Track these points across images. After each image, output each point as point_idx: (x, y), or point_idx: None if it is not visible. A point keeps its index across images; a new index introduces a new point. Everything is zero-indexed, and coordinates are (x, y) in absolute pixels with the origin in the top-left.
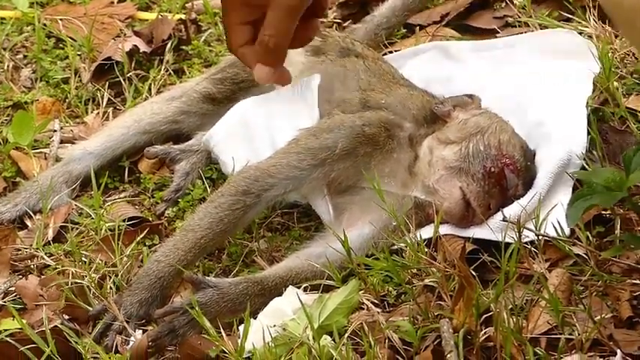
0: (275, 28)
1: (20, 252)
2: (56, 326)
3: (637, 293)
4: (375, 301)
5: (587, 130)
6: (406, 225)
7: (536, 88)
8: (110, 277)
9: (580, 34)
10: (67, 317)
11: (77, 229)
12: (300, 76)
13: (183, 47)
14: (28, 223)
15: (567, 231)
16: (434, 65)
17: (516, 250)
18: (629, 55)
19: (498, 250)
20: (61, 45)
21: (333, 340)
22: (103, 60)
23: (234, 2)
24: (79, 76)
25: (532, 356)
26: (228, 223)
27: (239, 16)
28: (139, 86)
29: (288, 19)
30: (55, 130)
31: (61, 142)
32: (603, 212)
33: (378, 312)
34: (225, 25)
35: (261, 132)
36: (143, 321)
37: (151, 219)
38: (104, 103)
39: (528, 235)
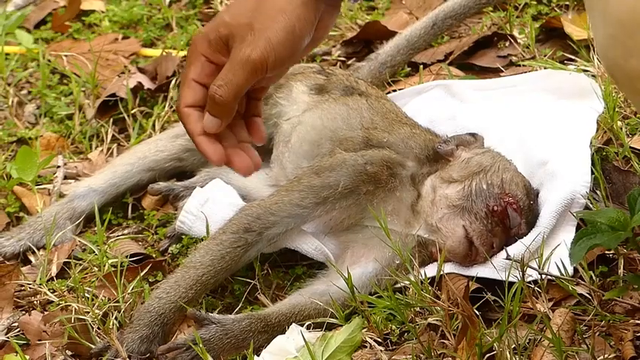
0: (226, 80)
1: (24, 288)
2: None
3: None
4: (379, 339)
5: (591, 169)
6: (410, 263)
7: (540, 127)
8: (113, 314)
9: (584, 73)
10: (69, 353)
11: (80, 265)
12: (303, 115)
13: None
14: (32, 258)
15: (570, 270)
16: (437, 104)
17: (520, 290)
18: None
19: (502, 289)
20: (65, 81)
21: None
22: (107, 96)
23: (195, 54)
24: (84, 112)
25: None
26: (229, 261)
27: (196, 71)
28: (143, 123)
29: (242, 75)
30: (59, 166)
31: (65, 178)
32: (607, 252)
33: (381, 350)
34: (181, 81)
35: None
36: (146, 357)
37: (154, 255)
38: (108, 140)
39: (532, 275)
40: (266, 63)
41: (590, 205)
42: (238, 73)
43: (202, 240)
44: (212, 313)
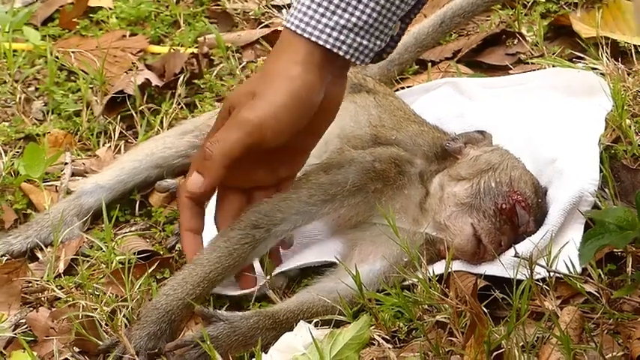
0: (220, 137)
1: (31, 284)
2: (67, 359)
3: None
4: (386, 336)
5: (600, 167)
6: (418, 261)
7: (548, 125)
8: (121, 311)
9: (592, 71)
10: (77, 350)
11: (88, 261)
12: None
13: (195, 81)
14: (39, 255)
15: (579, 268)
16: (445, 101)
17: (528, 287)
18: None
19: (510, 286)
20: (73, 78)
21: None
22: (115, 93)
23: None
24: (91, 109)
25: None
26: (237, 257)
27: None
28: (150, 119)
29: (237, 134)
30: (67, 163)
31: (73, 174)
32: (615, 250)
33: (389, 348)
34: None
35: None
36: (154, 355)
37: (161, 252)
38: (116, 136)
39: (540, 272)
40: (264, 125)
41: (599, 204)
42: (233, 132)
43: None
44: (220, 310)
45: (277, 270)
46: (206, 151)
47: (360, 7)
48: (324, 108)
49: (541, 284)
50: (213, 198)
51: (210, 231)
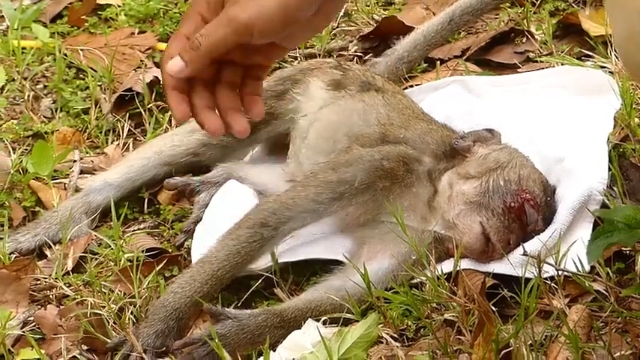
0: (208, 32)
1: (39, 282)
2: (75, 357)
3: None
4: (395, 335)
5: (608, 166)
6: (426, 259)
7: (557, 123)
8: (129, 308)
9: (601, 69)
10: (85, 348)
11: (96, 259)
12: (320, 112)
13: None
14: (48, 253)
15: (587, 267)
16: (454, 100)
17: (536, 286)
18: None
19: (518, 285)
20: (81, 75)
21: None
22: (123, 91)
23: (192, 12)
24: (100, 107)
25: None
26: (245, 256)
27: (189, 28)
28: (159, 117)
29: (224, 31)
30: (75, 161)
31: (81, 172)
32: (624, 249)
33: (397, 346)
34: (172, 36)
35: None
36: (162, 353)
37: (170, 250)
38: (124, 134)
39: (548, 271)
40: (252, 27)
41: (607, 202)
42: (221, 28)
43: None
44: (228, 308)
45: (283, 260)
46: (194, 42)
47: None
48: (312, 22)
49: (549, 283)
50: (225, 195)
51: (217, 228)
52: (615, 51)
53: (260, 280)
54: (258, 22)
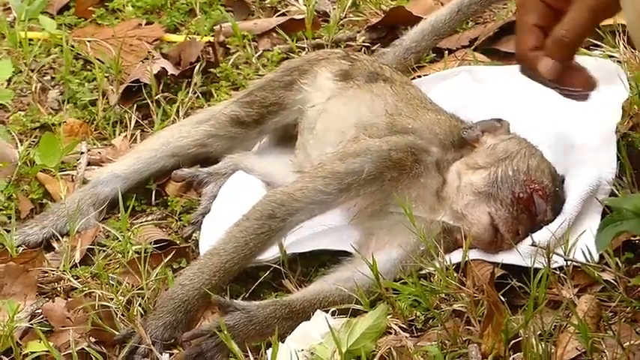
0: (573, 26)
1: (47, 274)
2: (83, 349)
3: None
4: (403, 325)
5: (617, 155)
6: (435, 249)
7: (565, 113)
8: (137, 300)
9: (609, 58)
10: (93, 340)
11: (104, 251)
12: (328, 102)
13: (211, 70)
14: (55, 245)
15: (596, 257)
16: (462, 89)
17: (545, 276)
18: None
19: (527, 275)
20: (88, 67)
21: None
22: (130, 82)
23: (533, 2)
24: (107, 98)
25: None
26: (253, 247)
27: (535, 17)
28: (166, 109)
29: (589, 20)
30: (83, 152)
31: (89, 164)
32: (633, 238)
33: (406, 337)
34: (518, 27)
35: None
36: (170, 345)
37: (178, 242)
38: (132, 126)
39: (557, 261)
40: (610, 9)
41: (616, 192)
42: (585, 19)
43: None
44: (236, 299)
45: (292, 251)
46: (564, 40)
47: None
48: None
49: (558, 273)
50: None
51: (225, 220)
52: (629, 34)
53: (268, 272)
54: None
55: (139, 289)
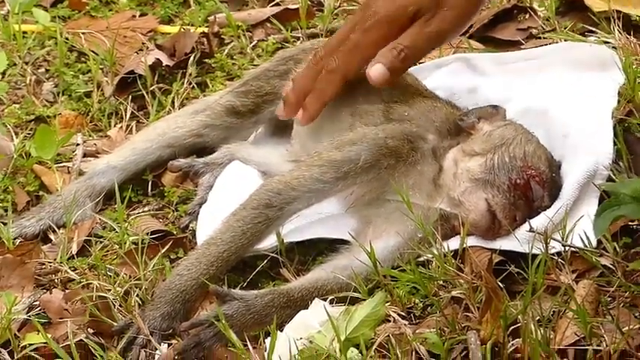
0: (414, 44)
1: (44, 266)
2: (81, 340)
3: None
4: (402, 313)
5: (613, 140)
6: (433, 236)
7: (561, 99)
8: (134, 291)
9: (604, 45)
10: (91, 331)
11: (101, 242)
12: None
13: (206, 60)
14: (52, 237)
15: (594, 242)
16: (457, 77)
17: (543, 262)
18: None
19: (525, 261)
20: (83, 59)
21: (360, 352)
22: (125, 73)
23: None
24: (102, 90)
25: None
26: (250, 237)
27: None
28: (162, 100)
29: (432, 44)
30: (79, 144)
31: (84, 155)
32: (630, 223)
33: (405, 324)
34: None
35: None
36: (168, 335)
37: (175, 232)
38: (127, 117)
39: (555, 247)
40: (454, 33)
41: (613, 177)
42: (428, 43)
43: None
44: (234, 289)
45: (289, 240)
46: (401, 53)
47: None
48: None
49: (556, 258)
50: (229, 176)
51: (222, 210)
52: (619, 26)
53: (266, 261)
54: (459, 30)
55: (136, 280)
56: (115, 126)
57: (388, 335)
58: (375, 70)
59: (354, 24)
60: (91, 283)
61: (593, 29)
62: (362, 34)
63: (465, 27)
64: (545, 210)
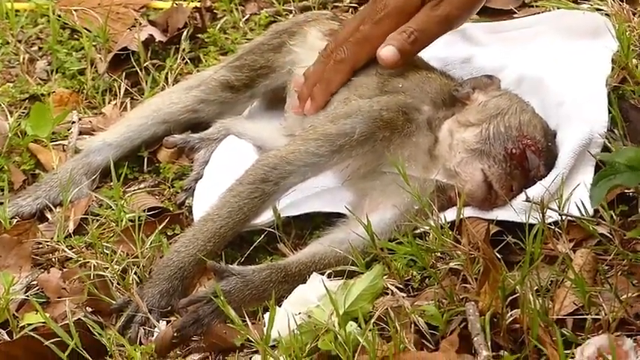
0: (425, 27)
1: (41, 245)
2: (80, 319)
3: None
4: (400, 285)
5: (608, 108)
6: (429, 208)
7: (555, 68)
8: (132, 269)
9: (597, 12)
10: (90, 310)
11: (98, 220)
12: None
13: (199, 35)
14: (49, 216)
15: (591, 211)
16: (451, 47)
17: (540, 231)
18: None
19: (522, 231)
20: (76, 36)
21: (359, 326)
22: (118, 50)
23: None
24: (95, 67)
25: (559, 337)
26: (247, 212)
27: None
28: (155, 76)
29: (442, 28)
30: (74, 122)
31: (80, 133)
32: (627, 191)
33: (403, 297)
34: None
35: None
36: (167, 312)
37: (171, 209)
38: (121, 94)
39: (552, 216)
40: (461, 18)
41: (608, 145)
42: (436, 27)
43: None
44: (232, 264)
45: (286, 214)
46: (411, 36)
47: None
48: None
49: (553, 228)
50: (224, 151)
51: (218, 185)
52: None
53: (263, 236)
54: (465, 14)
55: (133, 258)
56: (109, 103)
57: (387, 308)
58: (387, 51)
59: (364, 17)
60: (88, 262)
61: None
62: (372, 26)
63: (474, 11)
64: (541, 179)
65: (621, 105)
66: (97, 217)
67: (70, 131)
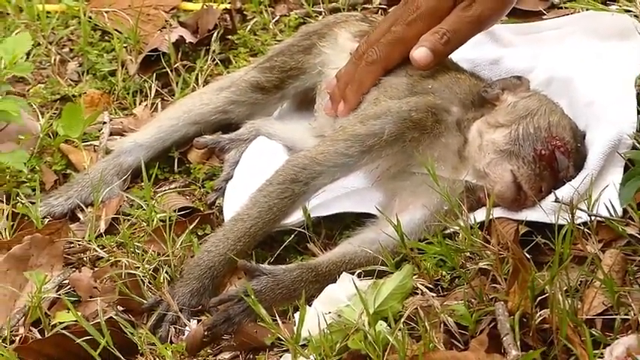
0: (457, 28)
1: (73, 245)
2: (111, 318)
3: None
4: (430, 285)
5: (637, 109)
6: (459, 208)
7: (584, 69)
8: (163, 268)
9: (626, 13)
10: (121, 309)
11: (129, 220)
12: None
13: (229, 37)
14: (80, 215)
15: (620, 211)
16: (480, 49)
17: (569, 232)
18: None
19: (551, 232)
20: (106, 37)
21: (389, 325)
22: (149, 51)
23: None
24: (126, 68)
25: (588, 337)
26: (277, 212)
27: None
28: (186, 77)
29: (474, 28)
30: (105, 122)
31: (111, 134)
32: None
33: (433, 296)
34: None
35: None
36: (198, 311)
37: (202, 209)
38: (152, 95)
39: (581, 217)
40: (493, 19)
41: (638, 145)
42: (469, 28)
43: None
44: (262, 264)
45: (315, 215)
46: (444, 37)
47: None
48: None
49: (582, 228)
50: (255, 152)
51: (248, 185)
52: None
53: (293, 236)
54: (499, 14)
55: (164, 257)
56: (140, 104)
57: (416, 308)
58: (420, 53)
59: (396, 18)
60: (119, 261)
61: None
62: (405, 27)
63: (505, 12)
64: (570, 180)
65: None
66: (128, 217)
67: (101, 132)
